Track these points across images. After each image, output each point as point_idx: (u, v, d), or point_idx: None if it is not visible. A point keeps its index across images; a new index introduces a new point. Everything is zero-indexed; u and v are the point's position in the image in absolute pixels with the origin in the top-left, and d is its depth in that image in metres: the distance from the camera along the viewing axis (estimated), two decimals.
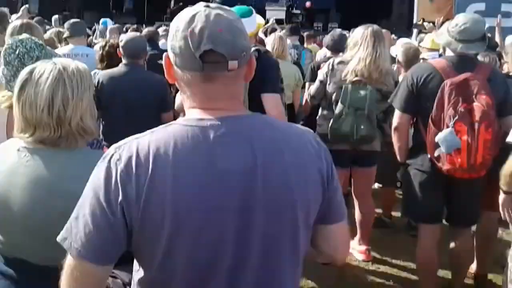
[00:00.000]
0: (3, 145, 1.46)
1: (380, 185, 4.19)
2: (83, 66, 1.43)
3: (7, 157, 1.39)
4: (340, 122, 3.05)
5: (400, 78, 3.51)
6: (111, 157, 0.99)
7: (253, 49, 2.59)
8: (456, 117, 2.34)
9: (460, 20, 2.56)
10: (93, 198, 0.97)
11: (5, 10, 3.73)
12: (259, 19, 2.76)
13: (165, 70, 1.06)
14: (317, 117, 3.37)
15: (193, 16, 0.98)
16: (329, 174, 1.10)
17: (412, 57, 3.62)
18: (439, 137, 2.39)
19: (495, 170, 2.22)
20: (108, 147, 2.36)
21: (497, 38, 5.18)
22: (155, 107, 3.19)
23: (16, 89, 1.37)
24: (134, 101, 3.11)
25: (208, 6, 1.00)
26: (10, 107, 1.80)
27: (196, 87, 1.01)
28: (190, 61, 0.97)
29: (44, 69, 1.35)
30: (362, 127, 3.03)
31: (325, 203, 1.10)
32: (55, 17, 7.37)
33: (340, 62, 3.16)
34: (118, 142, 1.03)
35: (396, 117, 2.70)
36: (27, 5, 5.03)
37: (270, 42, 4.24)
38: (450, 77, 2.43)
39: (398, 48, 3.85)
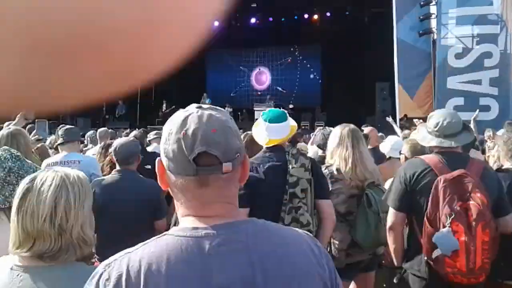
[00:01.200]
0: None
1: None
2: (82, 174, 1.43)
3: None
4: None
5: None
6: (99, 277, 0.92)
7: (303, 151, 2.74)
8: (453, 216, 2.25)
9: (439, 117, 2.58)
10: None
11: None
12: (292, 122, 2.76)
13: (158, 176, 1.03)
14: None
15: (186, 118, 0.97)
16: (333, 284, 1.03)
17: (420, 152, 3.50)
18: (436, 237, 2.28)
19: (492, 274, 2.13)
20: (100, 260, 2.26)
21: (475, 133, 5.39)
22: (148, 215, 3.11)
23: (16, 200, 1.33)
24: (126, 210, 3.02)
25: (200, 107, 1.01)
26: None
27: (190, 193, 0.98)
28: (183, 165, 0.95)
29: (46, 176, 1.34)
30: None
31: None
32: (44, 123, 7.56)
33: (338, 171, 2.96)
34: (109, 258, 0.96)
35: (391, 216, 2.60)
36: (23, 112, 5.15)
37: None
38: (443, 173, 2.38)
39: (404, 144, 3.84)
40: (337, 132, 3.08)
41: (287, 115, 2.74)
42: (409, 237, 2.62)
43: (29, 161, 1.97)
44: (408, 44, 12.43)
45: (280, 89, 22.33)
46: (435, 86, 11.80)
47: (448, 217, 2.25)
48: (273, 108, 2.86)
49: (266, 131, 2.62)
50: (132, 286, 0.89)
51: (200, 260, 0.91)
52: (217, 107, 1.04)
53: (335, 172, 2.98)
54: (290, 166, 2.56)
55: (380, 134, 6.78)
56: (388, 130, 10.69)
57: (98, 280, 0.92)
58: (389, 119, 8.09)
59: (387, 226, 2.63)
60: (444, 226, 2.27)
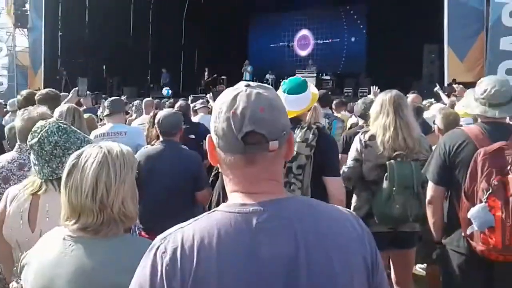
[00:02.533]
0: (50, 233, 1.49)
1: (422, 266, 3.93)
2: (127, 149, 1.49)
3: (53, 246, 1.41)
4: (390, 204, 2.77)
5: None
6: (156, 250, 1.00)
7: (314, 126, 2.59)
8: (490, 191, 2.16)
9: (487, 84, 2.45)
10: None
11: (57, 92, 4.00)
12: (313, 89, 2.66)
13: (208, 152, 1.09)
14: (352, 199, 3.07)
15: (235, 97, 1.01)
16: (374, 261, 1.06)
17: (453, 123, 3.46)
18: (471, 213, 2.21)
19: None
20: (144, 230, 2.38)
21: None
22: (188, 185, 3.20)
23: (64, 175, 1.42)
24: (167, 180, 3.12)
25: (249, 86, 1.04)
26: (33, 193, 1.88)
27: (238, 170, 1.03)
28: (232, 143, 1.00)
29: (91, 153, 1.41)
30: (414, 207, 2.77)
31: None
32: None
33: (371, 137, 2.91)
34: (153, 227, 1.04)
35: (430, 190, 2.54)
36: (76, 88, 5.39)
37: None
38: (483, 145, 2.28)
39: (437, 114, 3.74)
40: (379, 99, 2.99)
41: (307, 84, 2.65)
42: (449, 212, 2.55)
43: (79, 132, 2.03)
44: (459, 2, 11.65)
45: (322, 54, 21.83)
46: (487, 47, 11.09)
47: (485, 192, 2.17)
48: (293, 77, 2.75)
49: (285, 103, 2.54)
50: (186, 258, 0.96)
51: (248, 235, 0.97)
52: (265, 85, 1.07)
53: (367, 139, 2.92)
54: None
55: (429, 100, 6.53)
56: (436, 96, 10.33)
57: (156, 252, 1.00)
58: (437, 88, 7.70)
59: (426, 200, 2.58)
60: (481, 201, 2.19)
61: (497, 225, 2.14)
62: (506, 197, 2.15)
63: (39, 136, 1.86)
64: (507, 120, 2.52)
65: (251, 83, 1.06)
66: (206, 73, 19.22)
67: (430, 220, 2.60)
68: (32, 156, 1.90)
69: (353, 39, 21.23)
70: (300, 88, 2.58)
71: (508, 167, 2.19)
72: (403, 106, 2.91)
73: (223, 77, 18.68)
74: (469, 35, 11.61)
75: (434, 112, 4.47)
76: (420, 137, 2.94)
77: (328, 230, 1.02)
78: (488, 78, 2.55)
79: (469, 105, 2.55)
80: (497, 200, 2.15)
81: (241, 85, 1.05)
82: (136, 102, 7.58)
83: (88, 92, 6.52)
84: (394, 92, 2.99)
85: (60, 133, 1.89)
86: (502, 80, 2.50)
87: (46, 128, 1.88)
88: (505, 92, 2.40)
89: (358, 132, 3.17)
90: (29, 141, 1.89)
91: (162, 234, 1.03)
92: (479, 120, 2.54)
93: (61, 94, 5.01)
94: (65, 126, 1.96)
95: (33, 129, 1.92)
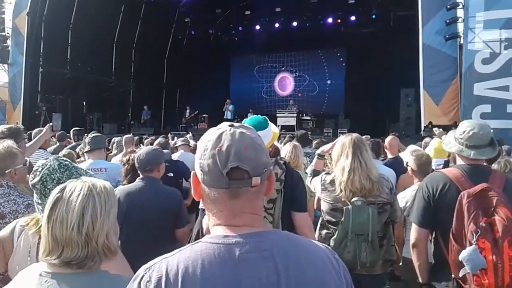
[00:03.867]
0: (26, 270, 1.46)
1: None
2: (108, 184, 1.49)
3: (29, 282, 1.37)
4: (341, 249, 2.75)
5: (414, 186, 3.48)
6: (141, 279, 1.01)
7: (281, 161, 2.61)
8: (479, 233, 2.18)
9: (467, 126, 2.53)
10: None
11: (19, 126, 3.96)
12: (274, 128, 2.69)
13: (192, 188, 1.12)
14: (316, 235, 3.04)
15: (220, 135, 1.07)
16: None
17: (425, 164, 3.55)
18: (463, 255, 2.20)
19: None
20: None
21: None
22: (168, 223, 3.15)
23: (47, 208, 1.40)
24: (147, 218, 3.07)
25: (232, 126, 1.10)
26: (37, 233, 1.82)
27: (222, 204, 1.07)
28: (217, 178, 1.04)
29: (75, 187, 1.41)
30: (364, 254, 2.75)
31: None
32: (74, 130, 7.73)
33: (332, 182, 2.93)
34: (132, 263, 1.04)
35: (414, 233, 2.55)
36: (51, 124, 5.30)
37: (285, 152, 4.24)
38: (465, 187, 2.32)
39: (409, 156, 3.83)
40: (340, 142, 3.02)
41: (268, 122, 2.67)
42: (435, 253, 2.55)
43: (80, 168, 2.01)
44: (434, 49, 12.20)
45: (302, 95, 22.31)
46: (462, 92, 11.54)
47: (474, 234, 2.19)
48: (253, 116, 2.79)
49: None
50: (171, 287, 0.98)
51: (231, 265, 1.00)
52: (247, 125, 1.14)
53: (327, 181, 2.95)
54: None
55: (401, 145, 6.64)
56: (413, 138, 10.56)
57: (140, 282, 1.01)
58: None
59: (411, 243, 2.57)
60: (470, 244, 2.21)
61: (489, 266, 2.15)
62: (495, 238, 2.18)
63: (41, 175, 1.83)
64: (483, 162, 2.56)
65: (234, 124, 1.12)
66: (187, 111, 19.34)
67: (416, 263, 2.59)
68: (35, 196, 1.87)
69: (332, 81, 21.87)
70: (261, 125, 2.60)
71: (492, 209, 2.23)
72: (362, 148, 2.92)
73: (204, 115, 18.83)
74: (444, 80, 12.08)
75: (408, 152, 4.56)
76: (380, 179, 2.93)
77: (307, 263, 1.05)
78: (469, 121, 2.63)
79: (449, 143, 2.63)
80: (487, 242, 2.17)
81: (224, 125, 1.11)
82: (117, 139, 7.52)
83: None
84: (354, 135, 3.03)
85: (62, 170, 1.88)
86: (483, 125, 2.57)
87: (48, 166, 1.87)
88: (483, 135, 2.48)
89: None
90: (31, 181, 1.86)
91: (146, 265, 1.05)
92: (457, 162, 2.59)
93: (35, 130, 4.97)
94: (66, 162, 1.95)
95: (34, 169, 1.90)
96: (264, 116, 2.75)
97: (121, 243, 3.04)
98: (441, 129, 7.05)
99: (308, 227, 2.64)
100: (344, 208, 2.79)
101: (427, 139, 6.54)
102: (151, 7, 19.60)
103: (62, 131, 8.08)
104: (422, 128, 11.71)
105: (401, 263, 3.50)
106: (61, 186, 1.44)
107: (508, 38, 11.01)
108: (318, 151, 3.40)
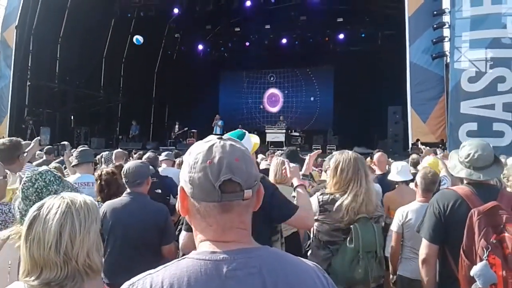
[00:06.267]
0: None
1: None
2: (90, 199, 1.43)
3: None
4: (353, 267, 2.70)
5: (416, 203, 3.54)
6: None
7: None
8: (489, 249, 2.24)
9: (470, 149, 2.58)
10: None
11: (19, 139, 3.89)
12: (255, 139, 2.66)
13: (179, 203, 1.08)
14: (308, 256, 2.99)
15: (210, 148, 1.03)
16: None
17: (430, 183, 3.56)
18: (474, 271, 2.25)
19: None
20: (108, 285, 2.25)
21: None
22: (154, 239, 3.08)
23: (24, 228, 1.34)
24: (133, 234, 3.01)
25: (221, 138, 1.07)
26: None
27: (213, 218, 1.03)
28: (209, 192, 1.00)
29: (53, 204, 1.34)
30: (373, 269, 2.74)
31: None
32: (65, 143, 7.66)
33: (331, 201, 2.85)
34: (117, 280, 1.01)
35: (424, 248, 2.58)
36: (39, 138, 5.24)
37: (272, 167, 4.25)
38: (476, 205, 2.39)
39: (418, 174, 3.77)
40: (338, 160, 2.93)
41: (246, 134, 2.64)
42: (443, 270, 2.59)
43: (67, 181, 1.98)
44: (420, 67, 12.38)
45: (291, 111, 22.43)
46: (448, 110, 11.70)
47: (485, 250, 2.24)
48: (234, 131, 2.75)
49: None
50: None
51: (218, 282, 0.96)
52: (234, 138, 1.11)
53: (327, 200, 2.86)
54: None
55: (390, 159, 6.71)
56: (400, 155, 10.64)
57: None
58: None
59: (421, 258, 2.60)
60: (480, 259, 2.25)
61: (499, 282, 2.20)
62: (504, 255, 2.23)
63: (36, 186, 1.78)
64: (490, 181, 2.64)
65: (223, 136, 1.09)
66: (177, 126, 19.27)
67: (424, 278, 2.62)
68: (21, 207, 1.79)
69: (321, 98, 22.02)
70: (240, 137, 2.58)
71: (502, 226, 2.29)
72: (362, 169, 2.89)
73: (193, 130, 18.77)
74: (431, 98, 12.25)
75: (394, 169, 4.63)
76: (377, 203, 2.96)
77: (296, 280, 1.03)
78: (470, 143, 2.67)
79: (455, 167, 2.66)
80: (497, 257, 2.23)
81: (213, 138, 1.08)
82: (105, 153, 7.45)
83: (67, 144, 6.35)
84: (353, 154, 2.97)
85: (57, 182, 1.85)
86: (484, 144, 2.64)
87: (43, 177, 1.82)
88: (487, 156, 2.55)
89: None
90: (23, 191, 1.80)
91: (129, 281, 1.02)
92: (465, 182, 2.63)
93: (23, 143, 4.88)
94: (59, 175, 1.92)
95: (25, 179, 1.83)
96: (243, 130, 2.75)
97: (107, 260, 2.91)
98: (428, 148, 7.14)
99: (304, 221, 2.58)
100: (352, 226, 2.73)
101: (414, 156, 6.61)
102: (141, 22, 19.62)
103: (49, 145, 8.00)
104: (410, 145, 11.81)
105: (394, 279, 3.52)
106: (38, 203, 1.38)
107: (493, 57, 11.21)
108: (301, 172, 3.23)
